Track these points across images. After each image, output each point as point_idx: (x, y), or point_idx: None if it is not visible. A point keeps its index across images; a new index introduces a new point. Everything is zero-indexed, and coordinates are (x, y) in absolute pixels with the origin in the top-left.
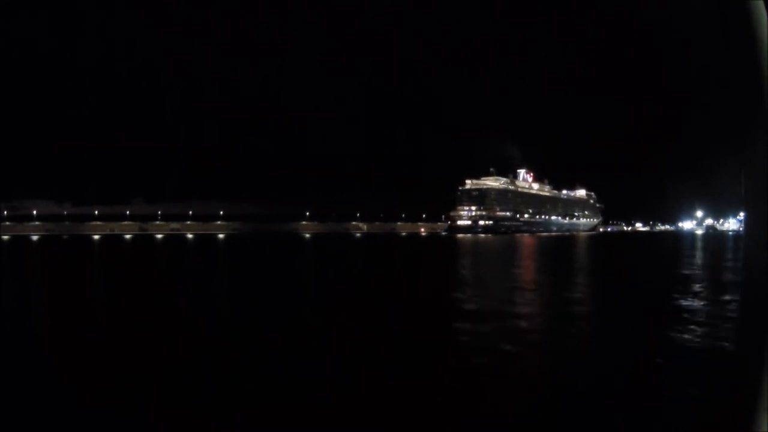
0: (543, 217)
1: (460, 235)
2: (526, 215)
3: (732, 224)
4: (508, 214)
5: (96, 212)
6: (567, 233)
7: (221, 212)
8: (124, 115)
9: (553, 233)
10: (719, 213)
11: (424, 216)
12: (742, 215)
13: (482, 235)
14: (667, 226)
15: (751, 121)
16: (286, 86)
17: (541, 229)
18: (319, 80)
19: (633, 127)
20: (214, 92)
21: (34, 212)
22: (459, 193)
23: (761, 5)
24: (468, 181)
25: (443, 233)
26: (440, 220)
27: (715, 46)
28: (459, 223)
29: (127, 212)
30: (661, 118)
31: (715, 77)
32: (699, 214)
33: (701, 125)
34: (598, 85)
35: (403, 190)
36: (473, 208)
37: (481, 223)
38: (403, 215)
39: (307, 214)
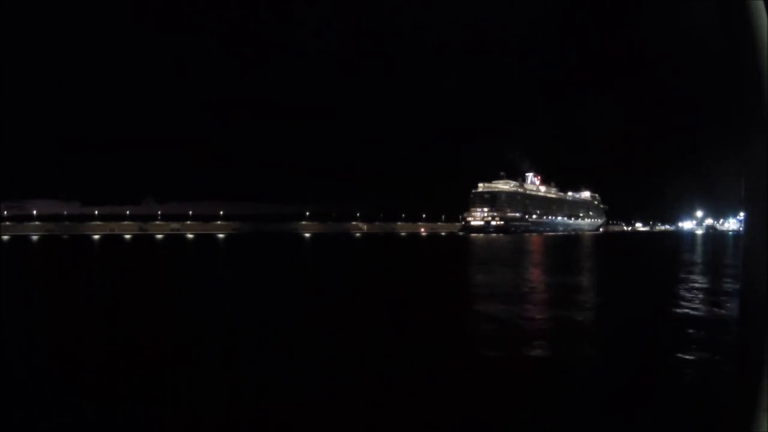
0: (550, 217)
1: (473, 235)
2: (534, 216)
3: (732, 224)
4: (517, 215)
5: (96, 212)
6: (572, 233)
7: (221, 212)
8: (126, 115)
9: (560, 233)
10: (719, 213)
11: (424, 216)
12: (742, 215)
13: (494, 235)
14: (667, 226)
15: (751, 121)
16: (288, 86)
17: (548, 229)
18: (320, 80)
19: (634, 127)
20: (214, 91)
21: (34, 212)
22: (472, 195)
23: (761, 5)
24: (480, 185)
25: (460, 233)
26: (440, 221)
27: (715, 46)
28: (472, 223)
29: (127, 212)
30: (661, 118)
31: (715, 78)
32: (699, 214)
33: (701, 125)
34: (599, 88)
35: (402, 190)
36: (485, 209)
37: (493, 223)
38: (403, 215)
39: (307, 214)
